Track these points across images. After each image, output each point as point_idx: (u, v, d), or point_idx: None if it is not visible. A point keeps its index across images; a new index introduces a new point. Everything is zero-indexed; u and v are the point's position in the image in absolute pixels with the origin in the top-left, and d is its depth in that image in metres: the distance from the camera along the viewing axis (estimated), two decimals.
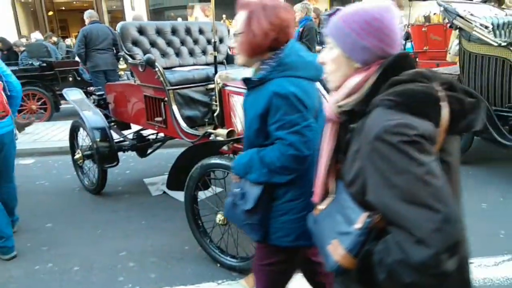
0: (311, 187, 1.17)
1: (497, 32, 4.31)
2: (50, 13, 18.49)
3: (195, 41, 3.90)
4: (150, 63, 3.12)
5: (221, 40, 4.11)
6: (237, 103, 2.77)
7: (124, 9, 16.82)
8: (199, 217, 2.72)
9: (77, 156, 3.93)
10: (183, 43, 3.82)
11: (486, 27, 3.89)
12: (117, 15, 17.08)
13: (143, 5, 16.89)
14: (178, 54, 3.77)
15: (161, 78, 3.14)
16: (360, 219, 0.94)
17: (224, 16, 17.46)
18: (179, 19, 14.25)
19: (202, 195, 2.80)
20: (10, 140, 2.96)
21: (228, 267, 2.61)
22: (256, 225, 1.57)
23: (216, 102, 2.91)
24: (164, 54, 3.66)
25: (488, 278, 2.43)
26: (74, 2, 18.08)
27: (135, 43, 3.49)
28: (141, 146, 4.06)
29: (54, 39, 9.95)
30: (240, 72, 3.14)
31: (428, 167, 0.83)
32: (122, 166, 4.72)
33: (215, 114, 2.93)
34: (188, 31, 3.85)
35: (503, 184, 3.79)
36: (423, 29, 7.32)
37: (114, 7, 17.93)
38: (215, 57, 3.20)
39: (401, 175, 0.83)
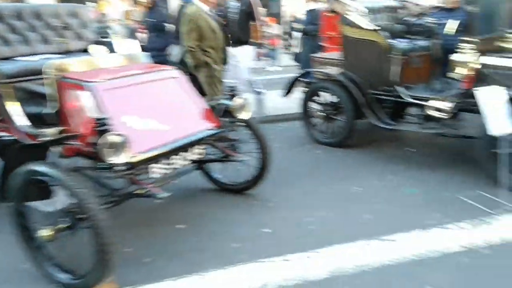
0: None
1: (374, 16, 4.30)
2: None
3: (50, 27, 3.43)
4: None
5: (84, 26, 3.69)
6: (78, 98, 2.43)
7: None
8: (30, 231, 2.36)
9: None
10: (33, 29, 3.33)
11: (360, 10, 3.88)
12: None
13: None
14: (26, 41, 3.29)
15: None
16: None
17: None
18: (87, 3, 13.20)
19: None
20: None
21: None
22: None
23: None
24: (5, 41, 3.16)
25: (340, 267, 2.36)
26: None
27: None
28: None
29: None
30: None
31: None
32: None
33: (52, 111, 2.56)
34: (38, 16, 3.37)
35: (380, 167, 3.85)
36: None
37: None
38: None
39: None
